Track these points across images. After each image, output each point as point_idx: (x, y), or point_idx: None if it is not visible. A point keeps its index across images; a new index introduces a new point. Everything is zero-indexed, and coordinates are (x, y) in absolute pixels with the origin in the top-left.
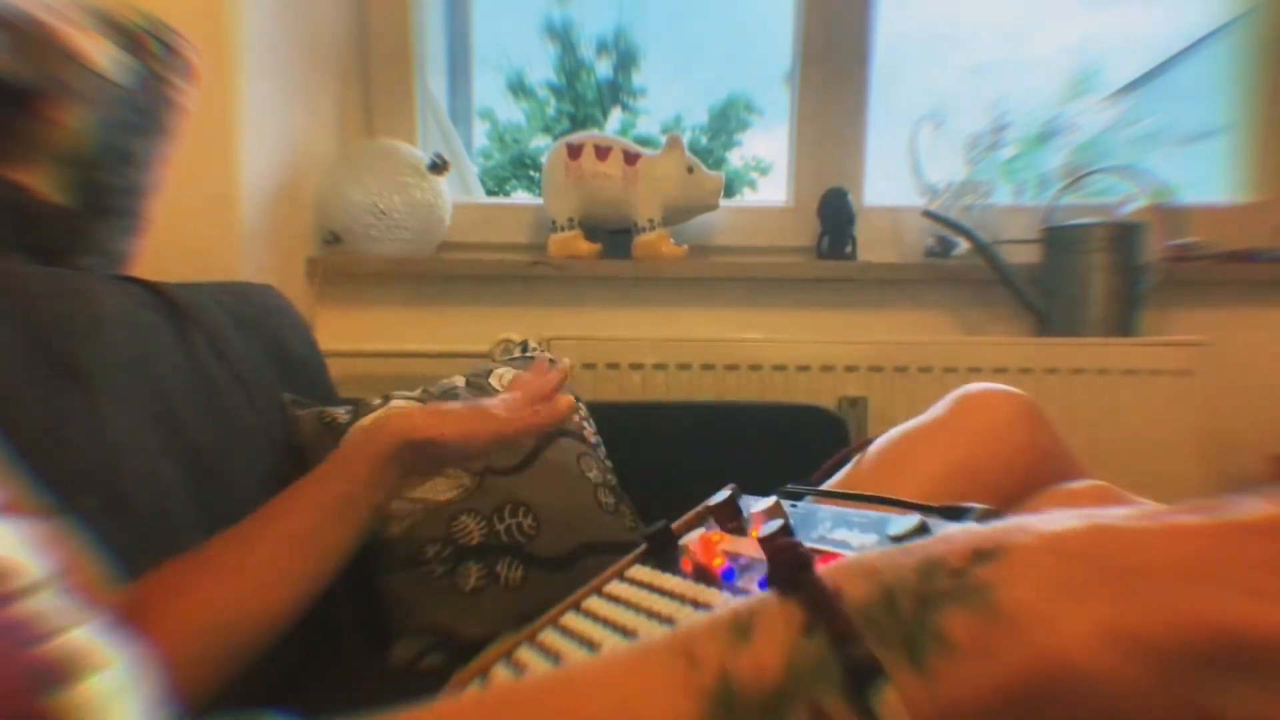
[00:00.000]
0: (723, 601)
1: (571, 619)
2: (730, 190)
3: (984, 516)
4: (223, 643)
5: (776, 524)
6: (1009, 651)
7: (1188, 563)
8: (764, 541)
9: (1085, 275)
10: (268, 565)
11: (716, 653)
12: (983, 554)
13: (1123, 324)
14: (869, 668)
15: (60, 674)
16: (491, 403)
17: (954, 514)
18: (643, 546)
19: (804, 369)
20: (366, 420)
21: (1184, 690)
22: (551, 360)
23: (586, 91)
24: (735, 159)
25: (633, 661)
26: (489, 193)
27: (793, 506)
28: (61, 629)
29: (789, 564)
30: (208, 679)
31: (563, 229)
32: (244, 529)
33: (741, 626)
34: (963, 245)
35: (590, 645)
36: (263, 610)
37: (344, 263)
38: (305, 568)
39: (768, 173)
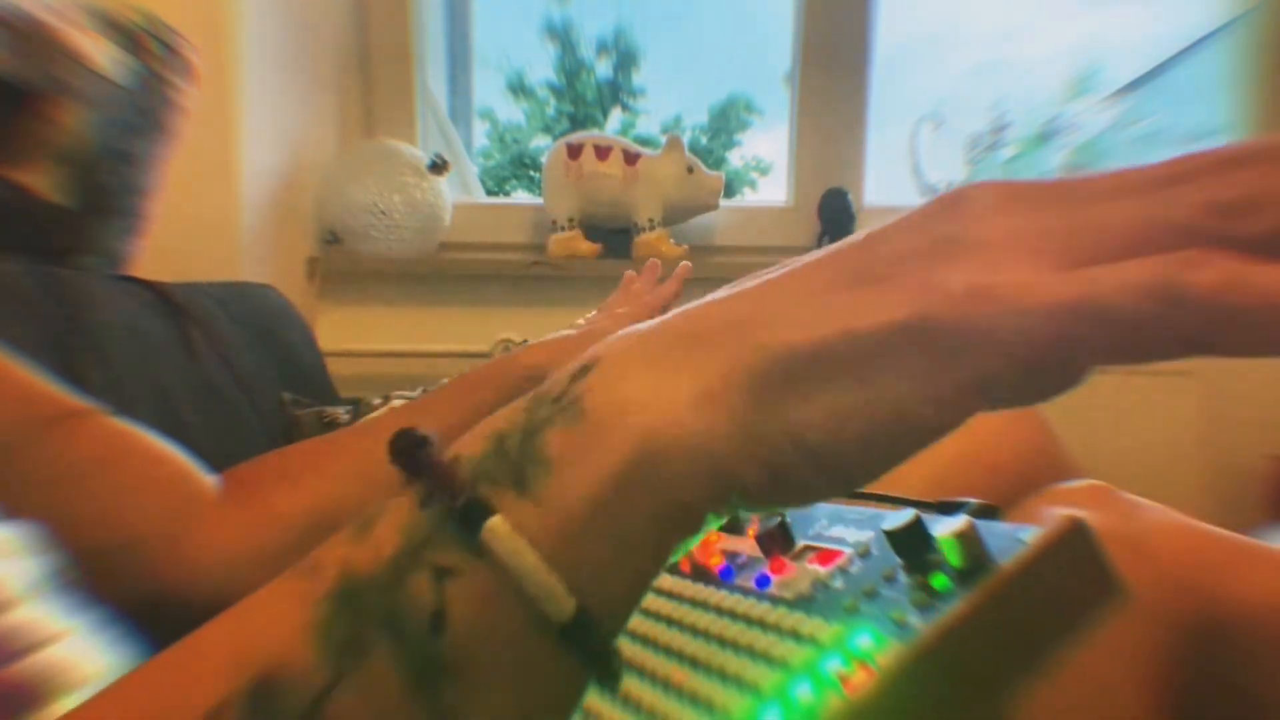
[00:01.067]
0: (719, 600)
1: None
2: (730, 190)
3: (980, 512)
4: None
5: (773, 522)
6: (602, 447)
7: (742, 311)
8: (389, 445)
9: None
10: (379, 471)
11: (337, 556)
12: (577, 372)
13: None
14: (477, 510)
15: (30, 697)
16: (613, 317)
17: (949, 509)
18: None
19: None
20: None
21: (768, 415)
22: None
23: (586, 91)
24: (735, 159)
25: (261, 591)
26: (489, 193)
27: None
28: (36, 645)
29: (405, 448)
30: None
31: (563, 229)
32: (361, 431)
33: (363, 523)
34: None
35: None
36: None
37: (344, 263)
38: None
39: (768, 173)
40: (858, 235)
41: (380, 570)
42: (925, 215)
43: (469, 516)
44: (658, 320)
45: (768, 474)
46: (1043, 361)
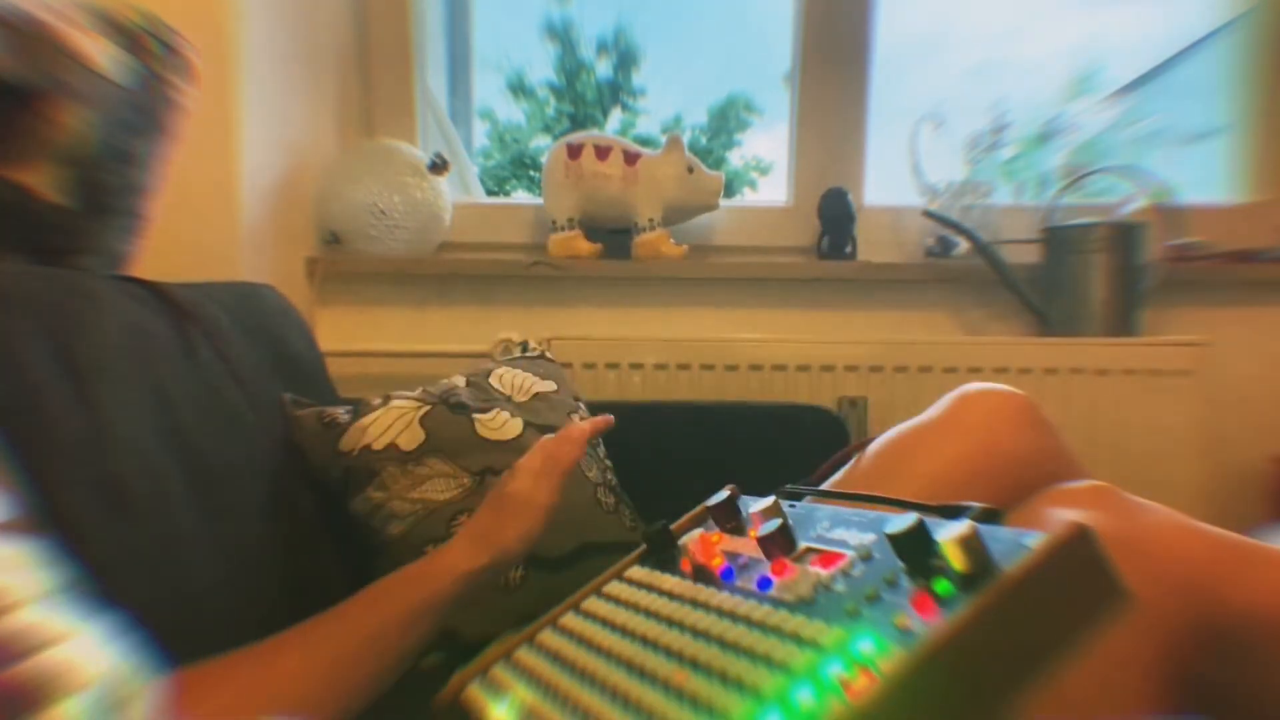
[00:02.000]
0: (720, 601)
1: (571, 619)
2: (730, 190)
3: (982, 515)
4: None
5: (775, 524)
6: None
7: None
8: None
9: (1085, 275)
10: (332, 668)
11: None
12: None
13: (1123, 324)
14: None
15: (33, 698)
16: (525, 482)
17: (952, 513)
18: (642, 547)
19: (804, 369)
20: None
21: None
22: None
23: (586, 91)
24: (735, 159)
25: None
26: (489, 193)
27: (791, 507)
28: (40, 646)
29: None
30: None
31: (563, 229)
32: (312, 627)
33: None
34: (963, 245)
35: (590, 645)
36: (321, 710)
37: (344, 263)
38: (370, 670)
39: (768, 173)
40: None
41: None
42: None
43: None
44: None
45: None
46: None
